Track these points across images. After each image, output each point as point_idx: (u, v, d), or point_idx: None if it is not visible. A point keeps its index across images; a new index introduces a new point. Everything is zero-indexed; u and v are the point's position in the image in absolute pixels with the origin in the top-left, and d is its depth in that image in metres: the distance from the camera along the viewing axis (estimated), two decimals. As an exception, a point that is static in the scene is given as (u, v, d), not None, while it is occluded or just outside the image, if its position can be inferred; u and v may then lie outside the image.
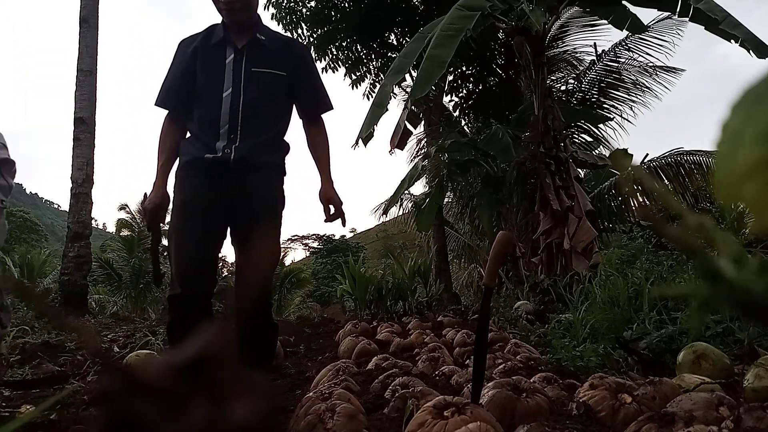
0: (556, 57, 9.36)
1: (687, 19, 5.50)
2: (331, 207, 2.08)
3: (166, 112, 2.05)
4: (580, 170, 6.23)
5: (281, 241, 2.33)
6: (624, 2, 5.88)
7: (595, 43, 8.89)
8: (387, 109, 5.57)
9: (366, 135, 5.74)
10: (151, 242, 2.29)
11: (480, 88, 10.55)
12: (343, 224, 2.17)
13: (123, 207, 14.90)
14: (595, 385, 1.62)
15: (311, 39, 10.13)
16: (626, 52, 8.58)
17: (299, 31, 10.12)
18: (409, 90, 9.11)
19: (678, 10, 5.47)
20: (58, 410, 2.00)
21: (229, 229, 1.95)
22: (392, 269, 6.46)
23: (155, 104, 2.04)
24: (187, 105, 1.99)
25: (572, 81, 9.34)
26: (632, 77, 8.71)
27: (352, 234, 36.79)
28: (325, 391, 1.58)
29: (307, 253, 31.08)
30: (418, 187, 15.73)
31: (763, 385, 1.60)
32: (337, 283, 8.88)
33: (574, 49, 9.49)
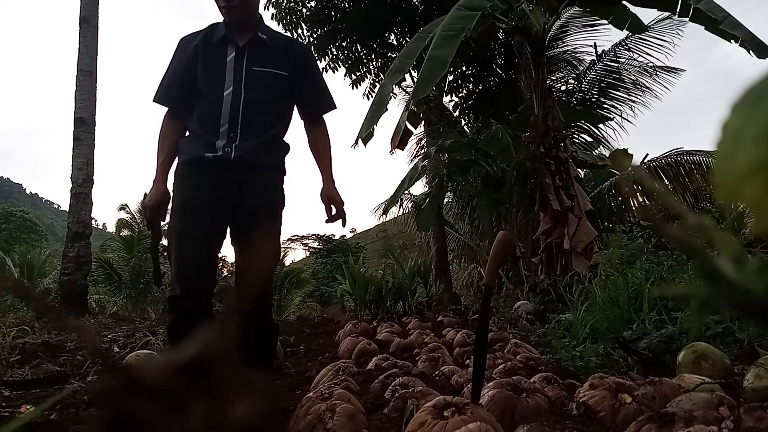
0: (556, 57, 9.35)
1: (687, 19, 5.50)
2: (333, 207, 2.08)
3: (165, 109, 2.03)
4: (580, 170, 6.23)
5: (281, 241, 2.33)
6: (624, 2, 5.88)
7: (595, 43, 8.90)
8: (387, 109, 5.58)
9: (366, 135, 5.75)
10: (151, 241, 2.27)
11: (480, 88, 10.54)
12: (344, 224, 2.16)
13: (123, 207, 14.88)
14: (595, 385, 1.62)
15: (311, 39, 10.12)
16: (626, 52, 8.58)
17: (299, 31, 10.11)
18: (409, 90, 9.12)
19: (678, 10, 5.47)
20: (58, 410, 2.00)
21: (229, 229, 1.95)
22: (392, 269, 6.46)
23: (154, 100, 2.02)
24: (187, 102, 1.98)
25: (572, 81, 9.34)
26: (632, 77, 8.70)
27: (352, 234, 36.77)
28: (325, 391, 1.58)
29: (307, 253, 31.05)
30: (418, 187, 15.74)
31: (763, 385, 1.60)
32: (337, 283, 8.87)
33: (574, 49, 9.50)
